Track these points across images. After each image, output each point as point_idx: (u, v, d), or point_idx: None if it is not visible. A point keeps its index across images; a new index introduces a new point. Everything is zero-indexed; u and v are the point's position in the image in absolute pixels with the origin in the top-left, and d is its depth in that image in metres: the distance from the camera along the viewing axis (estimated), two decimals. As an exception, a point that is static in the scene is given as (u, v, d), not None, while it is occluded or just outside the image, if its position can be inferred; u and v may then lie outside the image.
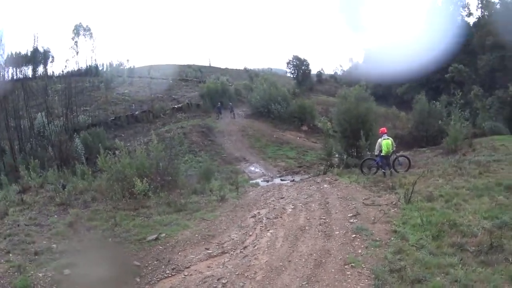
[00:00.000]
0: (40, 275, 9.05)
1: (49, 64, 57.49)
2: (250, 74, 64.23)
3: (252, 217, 13.74)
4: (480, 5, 62.62)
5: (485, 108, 36.13)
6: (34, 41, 75.97)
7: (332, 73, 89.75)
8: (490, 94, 41.03)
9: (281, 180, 23.59)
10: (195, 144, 32.87)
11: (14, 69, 46.65)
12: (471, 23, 62.08)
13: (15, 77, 43.15)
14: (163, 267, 9.84)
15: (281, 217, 13.25)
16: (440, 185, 14.98)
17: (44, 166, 21.68)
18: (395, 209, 12.80)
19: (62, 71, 47.32)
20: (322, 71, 79.61)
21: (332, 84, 71.58)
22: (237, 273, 9.15)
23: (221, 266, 9.73)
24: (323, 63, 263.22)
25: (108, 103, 43.55)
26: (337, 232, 11.18)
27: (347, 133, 23.36)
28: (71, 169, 21.52)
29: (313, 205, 14.33)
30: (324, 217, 12.67)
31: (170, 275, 9.41)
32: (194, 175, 21.61)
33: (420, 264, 8.57)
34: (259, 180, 23.46)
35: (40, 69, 54.59)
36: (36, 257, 10.39)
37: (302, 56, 69.20)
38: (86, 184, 18.15)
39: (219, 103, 43.49)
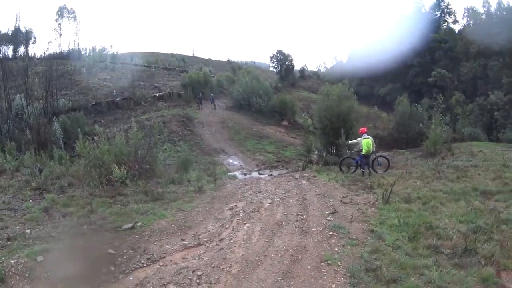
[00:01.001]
0: (12, 261, 8.78)
1: (30, 45, 56.28)
2: (233, 66, 64.12)
3: (229, 209, 13.70)
4: (466, 14, 63.31)
5: (465, 114, 36.79)
6: (16, 21, 74.14)
7: (315, 70, 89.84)
8: (471, 100, 41.88)
9: (259, 174, 23.56)
10: (174, 133, 32.85)
11: None
12: (456, 30, 62.65)
13: None
14: (138, 256, 9.72)
15: (258, 211, 13.24)
16: (418, 187, 15.31)
17: (21, 149, 21.12)
18: (373, 208, 12.93)
19: (44, 53, 46.20)
20: (305, 67, 79.31)
21: (315, 81, 71.40)
22: (212, 266, 9.11)
23: (196, 258, 9.67)
24: (306, 59, 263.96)
25: (89, 88, 42.90)
26: (314, 229, 11.19)
27: (327, 130, 23.53)
28: (49, 153, 21.15)
29: (291, 200, 14.35)
30: (301, 213, 12.68)
31: (145, 265, 9.30)
32: (172, 164, 21.50)
33: (396, 264, 8.68)
34: (237, 173, 23.42)
35: (21, 50, 53.65)
36: (9, 242, 10.10)
37: (286, 51, 69.34)
38: (63, 169, 17.84)
39: (200, 93, 43.69)
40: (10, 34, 51.40)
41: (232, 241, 10.70)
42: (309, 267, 8.96)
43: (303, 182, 17.49)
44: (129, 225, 11.49)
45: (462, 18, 64.31)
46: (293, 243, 10.32)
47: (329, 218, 12.09)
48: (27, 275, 8.44)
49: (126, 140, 17.61)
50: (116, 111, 38.76)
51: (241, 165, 26.96)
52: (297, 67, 73.03)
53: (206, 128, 36.02)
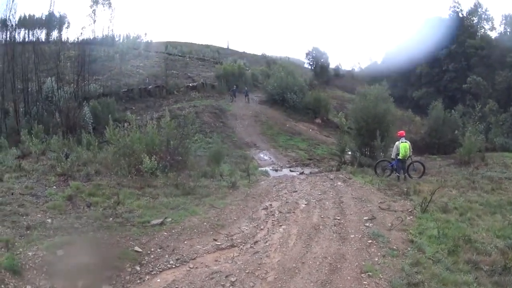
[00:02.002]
0: (30, 253, 8.02)
1: (64, 30, 55.98)
2: (268, 61, 62.32)
3: (264, 209, 12.85)
4: (503, 21, 61.12)
5: (498, 123, 35.28)
6: (50, 5, 74.26)
7: (350, 69, 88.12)
8: (504, 110, 40.24)
9: (290, 170, 22.86)
10: (206, 124, 32.04)
11: (27, 31, 45.19)
12: (493, 37, 60.61)
13: (26, 40, 41.64)
14: (166, 256, 8.94)
15: (294, 212, 12.40)
16: (454, 196, 14.48)
17: (48, 132, 20.54)
18: (411, 217, 12.12)
19: (77, 38, 45.70)
20: (339, 66, 77.60)
21: (349, 80, 69.55)
22: (247, 271, 8.34)
23: (229, 261, 8.88)
24: (341, 58, 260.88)
25: (122, 75, 42.32)
26: (353, 236, 10.46)
27: (362, 131, 22.45)
28: (77, 138, 20.43)
29: (327, 203, 13.47)
30: (338, 218, 11.90)
31: (173, 266, 8.52)
32: (203, 156, 20.88)
33: (437, 279, 8.14)
34: (268, 168, 22.70)
35: (55, 34, 53.29)
36: (28, 232, 9.31)
37: (321, 49, 67.98)
38: (90, 156, 17.07)
39: (234, 86, 42.70)
40: (44, 18, 50.92)
41: (267, 244, 9.91)
42: (349, 278, 8.28)
43: (339, 183, 16.53)
44: (159, 221, 10.71)
45: (500, 25, 62.17)
46: (331, 249, 9.58)
47: (367, 224, 11.35)
48: (45, 269, 7.68)
49: (158, 129, 16.80)
50: (148, 99, 38.05)
51: (272, 161, 26.13)
52: (332, 65, 71.65)
53: (239, 121, 35.06)
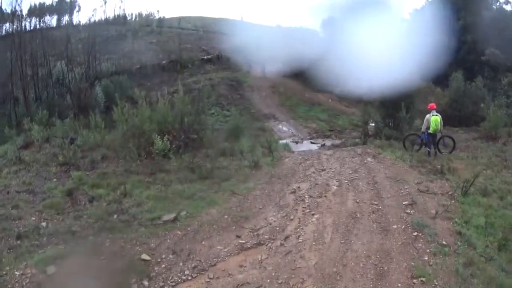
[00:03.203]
0: (17, 273, 6.54)
1: (75, 14, 54.45)
2: (282, 31, 60.50)
3: (292, 192, 11.03)
4: (519, -5, 58.26)
5: None
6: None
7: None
8: None
9: (311, 142, 21.57)
10: (222, 97, 30.24)
11: (37, 19, 43.97)
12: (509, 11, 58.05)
13: (37, 27, 40.45)
14: (181, 264, 7.19)
15: (325, 196, 10.70)
16: (490, 176, 13.00)
17: (60, 116, 18.67)
18: (453, 201, 10.56)
19: (89, 20, 44.22)
20: (355, 35, 75.47)
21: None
22: (279, 281, 6.72)
23: (257, 266, 7.17)
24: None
25: (134, 52, 39.98)
26: (395, 226, 8.92)
27: (386, 102, 20.77)
28: (85, 119, 18.41)
29: (360, 183, 11.83)
30: (376, 202, 10.27)
31: (189, 277, 6.81)
32: (220, 130, 19.28)
33: (495, 285, 6.96)
34: (288, 141, 21.19)
35: (65, 19, 51.73)
36: (18, 242, 7.68)
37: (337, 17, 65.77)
38: (98, 139, 14.92)
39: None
40: (54, 5, 49.13)
41: (300, 240, 8.22)
42: (399, 285, 6.86)
43: (369, 159, 14.89)
44: (171, 217, 8.87)
45: (515, -1, 59.33)
46: (373, 245, 8.09)
47: (408, 211, 9.77)
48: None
49: (171, 105, 14.71)
50: (162, 74, 35.82)
51: (292, 133, 24.60)
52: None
53: (256, 93, 33.31)
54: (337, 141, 21.31)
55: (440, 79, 35.35)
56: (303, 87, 35.96)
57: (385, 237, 8.39)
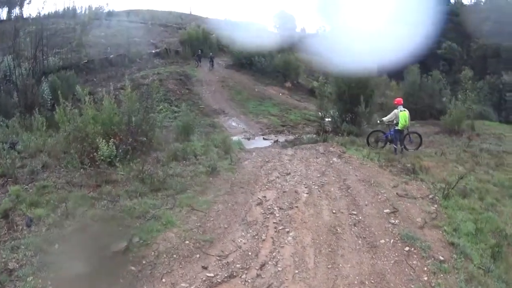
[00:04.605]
0: None
1: (25, 6, 52.50)
2: (232, 25, 59.93)
3: (258, 204, 9.53)
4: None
5: (475, 91, 33.89)
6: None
7: (315, 32, 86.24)
8: (479, 78, 39.02)
9: (264, 139, 21.03)
10: (171, 92, 29.19)
11: None
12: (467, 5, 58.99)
13: None
14: None
15: (296, 207, 9.31)
16: (463, 175, 12.04)
17: (7, 115, 16.93)
18: (435, 206, 9.84)
19: (39, 13, 42.46)
20: (304, 30, 75.81)
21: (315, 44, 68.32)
22: None
23: None
24: (306, 22, 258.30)
25: (82, 46, 38.86)
26: (382, 241, 7.90)
27: (344, 96, 20.24)
28: (30, 120, 16.35)
29: (332, 189, 10.66)
30: (354, 212, 9.16)
31: None
32: (169, 127, 18.19)
33: None
34: (240, 137, 20.18)
35: (16, 11, 49.61)
36: None
37: (288, 12, 66.50)
38: (39, 143, 12.55)
39: (199, 50, 40.07)
40: None
41: (279, 268, 6.77)
42: None
43: (335, 160, 13.85)
44: (121, 246, 6.97)
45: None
46: (364, 267, 6.97)
47: (392, 220, 8.78)
48: None
49: (118, 104, 12.87)
50: (109, 69, 34.88)
51: (243, 129, 23.82)
52: (297, 29, 69.57)
53: (205, 87, 32.43)
54: (291, 137, 20.77)
55: (394, 73, 35.42)
56: (253, 81, 35.87)
57: (375, 256, 7.34)
